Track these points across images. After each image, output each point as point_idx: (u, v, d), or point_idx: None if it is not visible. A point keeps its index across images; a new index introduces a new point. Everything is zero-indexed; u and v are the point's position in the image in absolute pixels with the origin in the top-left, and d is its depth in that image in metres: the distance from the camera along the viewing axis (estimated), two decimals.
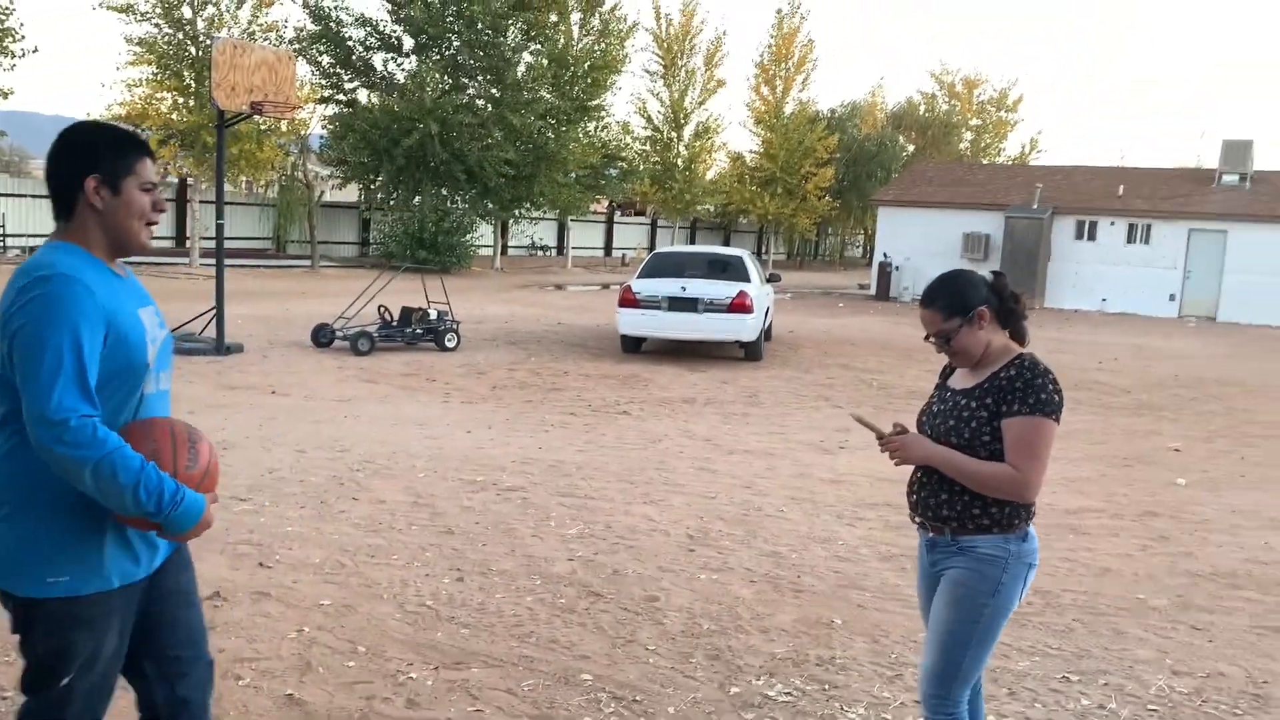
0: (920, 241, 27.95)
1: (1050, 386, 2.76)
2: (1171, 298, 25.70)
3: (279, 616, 4.37)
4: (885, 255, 28.25)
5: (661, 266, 14.25)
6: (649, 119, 38.22)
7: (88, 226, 2.28)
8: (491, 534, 5.71)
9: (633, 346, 13.99)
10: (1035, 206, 26.62)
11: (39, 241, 23.72)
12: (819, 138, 40.10)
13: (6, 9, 20.32)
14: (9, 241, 24.13)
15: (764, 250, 45.57)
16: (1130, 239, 26.20)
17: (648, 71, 37.77)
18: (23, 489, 2.18)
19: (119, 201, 2.29)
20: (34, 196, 25.31)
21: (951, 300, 2.85)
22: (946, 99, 55.03)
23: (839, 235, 53.29)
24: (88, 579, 2.23)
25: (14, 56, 20.58)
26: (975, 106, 55.15)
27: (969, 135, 55.13)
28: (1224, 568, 5.74)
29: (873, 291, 28.55)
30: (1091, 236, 26.56)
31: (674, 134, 38.15)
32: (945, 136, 52.68)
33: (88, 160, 2.27)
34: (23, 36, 20.62)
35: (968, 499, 2.78)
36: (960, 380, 2.93)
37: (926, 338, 2.91)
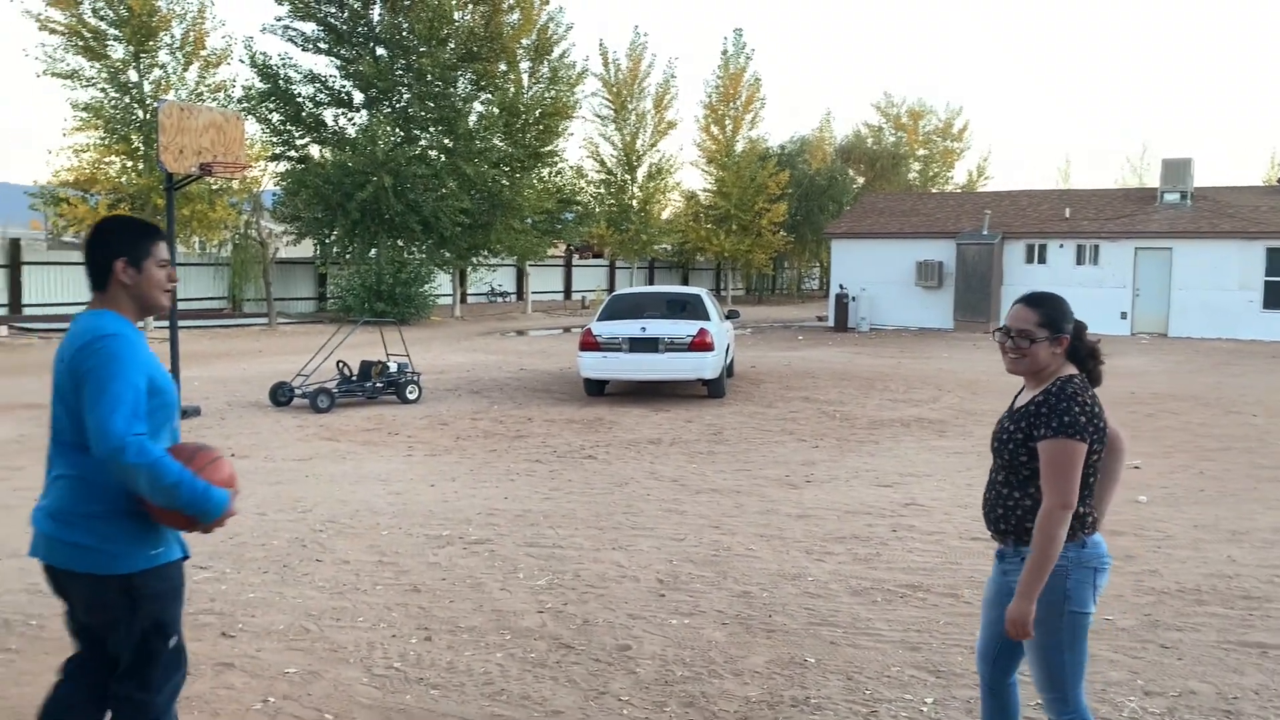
0: (875, 271, 28.31)
1: (1076, 409, 2.95)
2: (1123, 316, 26.15)
3: (243, 688, 4.28)
4: (841, 286, 28.54)
5: (621, 308, 14.29)
6: (602, 162, 38.55)
7: (119, 297, 2.96)
8: (459, 589, 5.64)
9: (596, 389, 13.98)
10: (985, 232, 27.07)
11: None
12: (770, 174, 40.60)
13: None
14: None
15: (722, 287, 45.86)
16: (1080, 260, 26.68)
17: (598, 116, 38.12)
18: (111, 491, 2.80)
19: (142, 277, 2.97)
20: None
21: (1053, 314, 3.08)
22: (893, 131, 56.00)
23: (795, 269, 53.76)
24: (171, 548, 2.97)
25: None
26: (922, 137, 56.19)
27: (917, 165, 56.10)
28: (1189, 584, 5.80)
29: (831, 323, 28.78)
30: (1042, 259, 27.02)
31: (628, 176, 38.46)
32: (894, 167, 53.54)
33: (116, 246, 2.95)
34: None
35: (1020, 512, 3.07)
36: (1021, 400, 3.17)
37: (1005, 330, 3.10)
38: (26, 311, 25.01)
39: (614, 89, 37.70)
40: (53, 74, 23.20)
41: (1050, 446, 2.94)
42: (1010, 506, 3.09)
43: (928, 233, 28.22)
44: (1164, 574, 5.98)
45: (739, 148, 41.18)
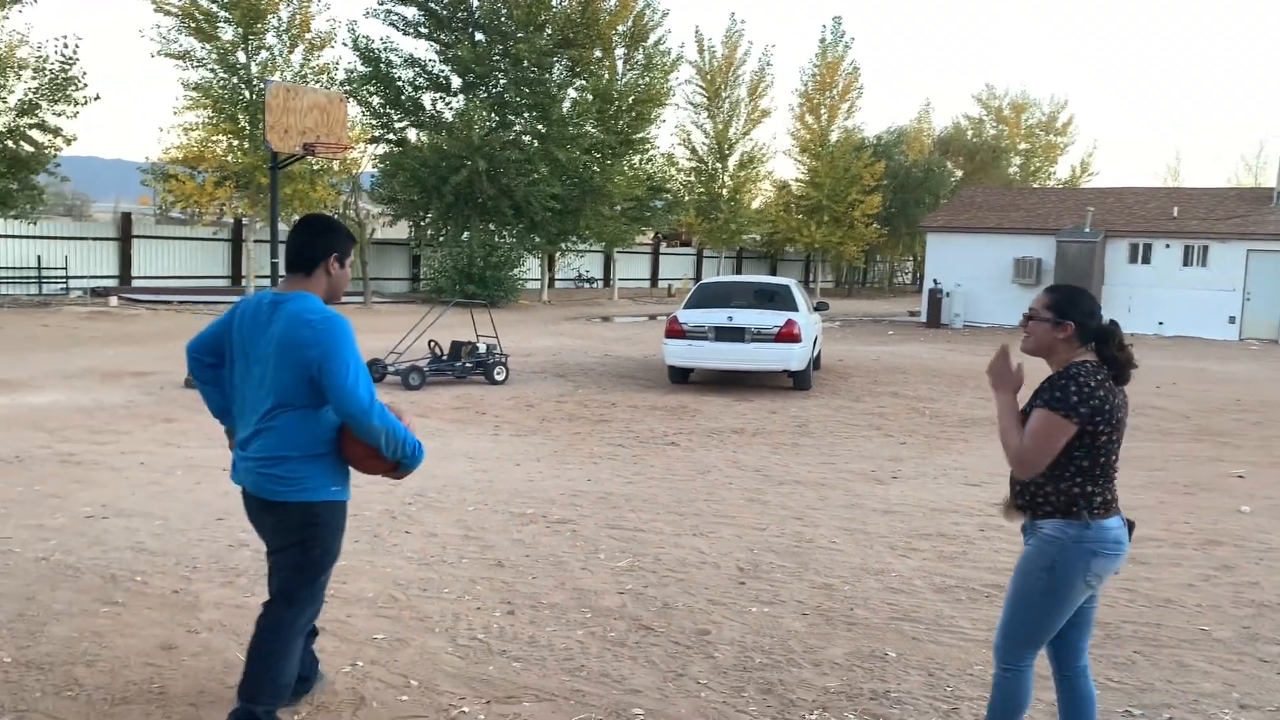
0: (971, 267, 27.70)
1: (1072, 389, 3.13)
2: (1231, 320, 25.14)
3: (333, 651, 4.41)
4: (935, 281, 28.01)
5: (708, 297, 14.26)
6: (693, 150, 38.43)
7: (320, 284, 3.54)
8: (541, 567, 5.72)
9: (680, 377, 13.99)
10: (1087, 230, 26.26)
11: (100, 283, 24.30)
12: (865, 165, 39.99)
13: (70, 59, 21.01)
14: (72, 283, 24.81)
15: (811, 279, 45.43)
16: (1187, 261, 25.72)
17: (691, 104, 37.99)
18: (311, 439, 3.42)
19: (342, 273, 3.59)
20: (95, 239, 26.06)
21: (1062, 302, 3.33)
22: (994, 123, 54.65)
23: (887, 262, 52.95)
24: (345, 490, 3.56)
25: (77, 104, 21.23)
26: (1024, 131, 54.71)
27: (1018, 160, 54.65)
28: None
29: (923, 319, 28.29)
30: (1146, 259, 26.12)
31: (719, 164, 38.29)
32: (994, 161, 52.28)
33: (332, 241, 3.54)
34: (85, 85, 21.30)
35: (1034, 488, 3.23)
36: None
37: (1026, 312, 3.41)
38: (135, 284, 26.06)
39: (708, 76, 37.55)
40: (166, 54, 24.07)
41: (1035, 415, 3.16)
42: (1027, 483, 3.25)
43: (1027, 229, 27.50)
44: (1265, 586, 5.76)
45: (834, 137, 40.66)
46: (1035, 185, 50.85)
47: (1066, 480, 3.16)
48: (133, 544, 5.86)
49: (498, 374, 13.40)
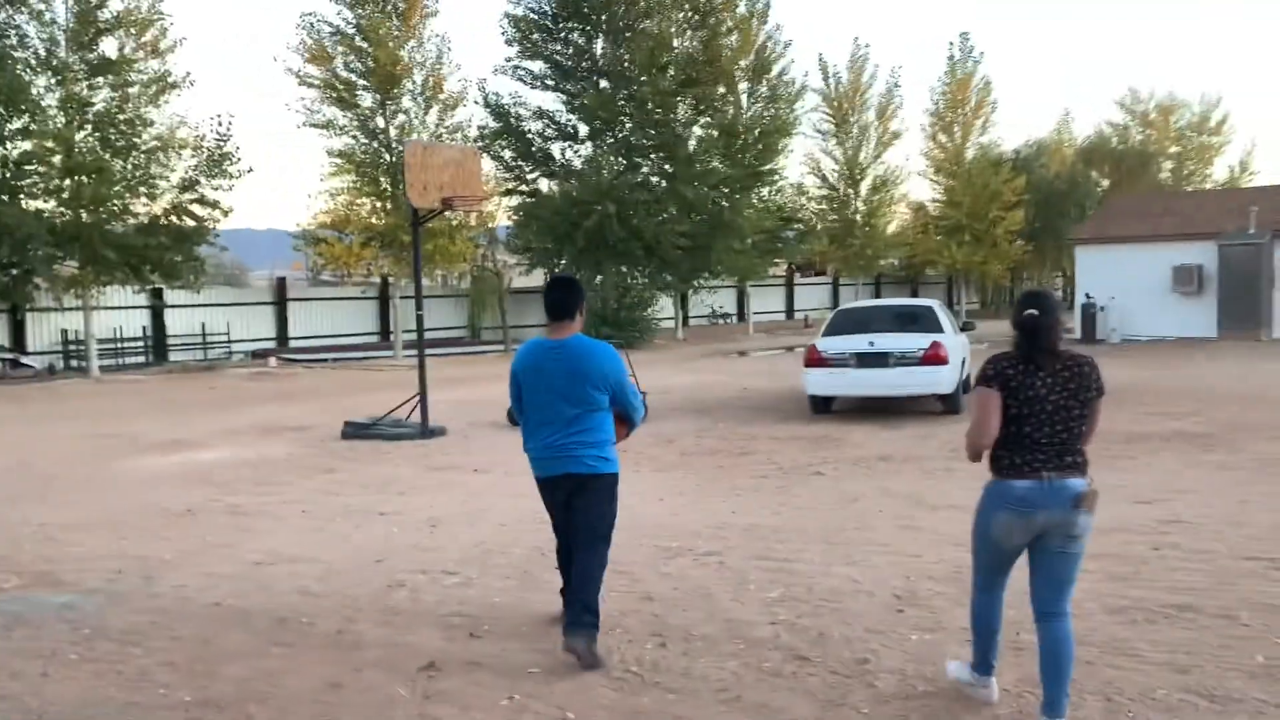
0: (1125, 279, 26.33)
1: (985, 365, 4.00)
2: None
3: (490, 685, 4.45)
4: (1088, 296, 26.79)
5: (846, 323, 13.99)
6: (824, 178, 38.04)
7: (579, 324, 4.98)
8: (690, 599, 5.65)
9: (822, 407, 13.73)
10: (1252, 231, 24.68)
11: (259, 345, 25.63)
12: (1005, 180, 38.77)
13: (225, 136, 22.43)
14: (234, 347, 26.29)
15: (955, 301, 44.18)
16: None
17: (819, 131, 37.66)
18: (607, 430, 4.98)
19: (585, 315, 5.11)
20: (254, 304, 27.59)
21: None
22: (1141, 128, 52.24)
23: (1035, 279, 51.02)
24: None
25: (232, 178, 22.62)
26: (1174, 133, 52.07)
27: (1169, 164, 51.99)
28: None
29: (1077, 334, 27.08)
30: None
31: (850, 190, 37.78)
32: (1142, 167, 49.85)
33: (581, 294, 5.06)
34: (239, 159, 22.69)
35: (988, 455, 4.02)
36: None
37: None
38: (291, 344, 27.43)
39: (835, 103, 37.20)
40: (311, 124, 25.43)
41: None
42: None
43: (1184, 235, 26.03)
44: None
45: (969, 155, 39.61)
46: (1190, 189, 48.30)
47: (995, 446, 3.95)
48: (298, 588, 6.08)
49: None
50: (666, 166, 29.37)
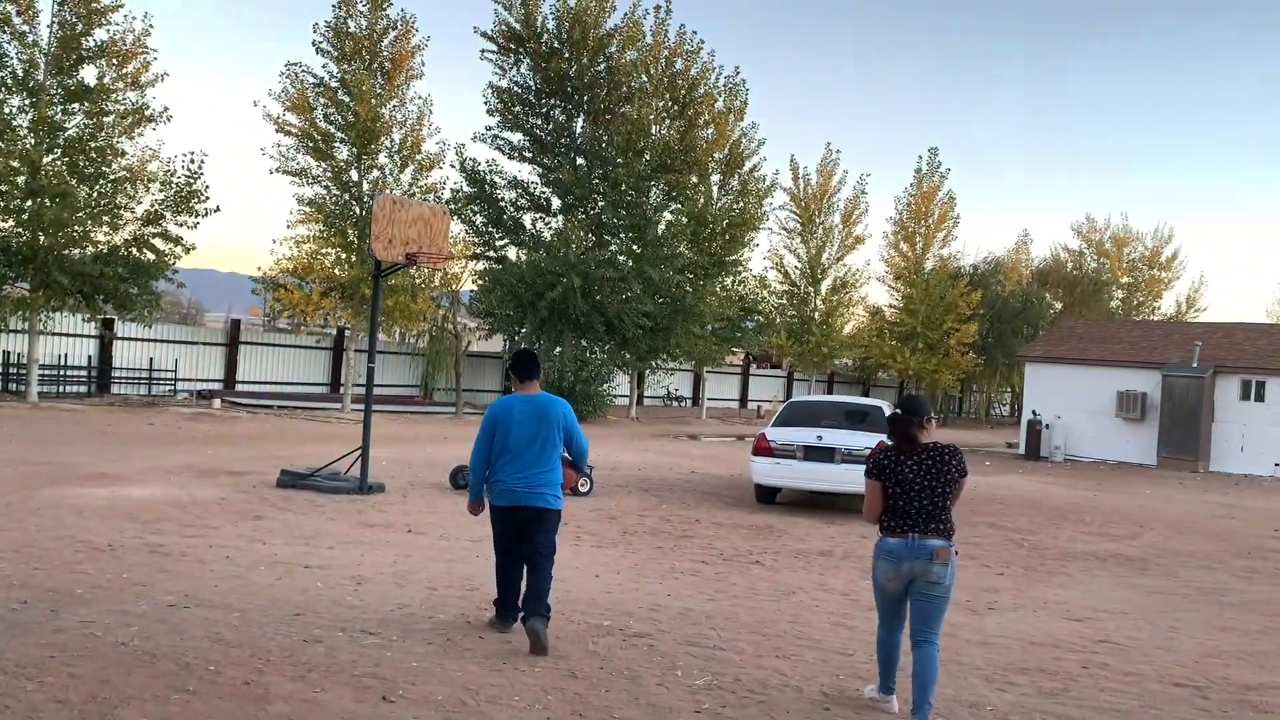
0: (1071, 399, 26.85)
1: (870, 456, 5.35)
2: None
3: None
4: (1034, 413, 27.23)
5: (797, 415, 14.06)
6: (786, 273, 38.57)
7: (539, 384, 6.42)
8: (616, 680, 5.51)
9: (767, 496, 13.71)
10: (1195, 365, 25.35)
11: (206, 385, 25.19)
12: (961, 293, 39.60)
13: (195, 174, 22.30)
14: (180, 385, 25.79)
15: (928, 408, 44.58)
16: None
17: (785, 228, 38.29)
18: (560, 475, 6.26)
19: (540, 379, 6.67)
20: (205, 344, 27.19)
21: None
22: (1095, 256, 53.79)
23: (984, 392, 51.81)
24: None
25: (199, 215, 22.43)
26: (1126, 265, 53.68)
27: (1120, 293, 53.47)
28: None
29: (1021, 450, 27.44)
30: (1260, 397, 25.00)
31: (811, 288, 38.33)
32: (1094, 294, 51.24)
33: (539, 363, 6.57)
34: (208, 198, 22.53)
35: None
36: None
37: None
38: (239, 387, 26.96)
39: (803, 203, 37.93)
40: (284, 171, 25.37)
41: None
42: None
43: (1131, 362, 26.68)
44: None
45: (929, 265, 40.48)
46: (1139, 319, 49.62)
47: (880, 514, 5.21)
48: (210, 634, 5.85)
49: (582, 485, 13.32)
50: (634, 247, 29.65)
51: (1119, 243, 53.58)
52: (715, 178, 32.89)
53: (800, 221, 38.07)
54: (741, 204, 32.77)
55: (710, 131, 31.51)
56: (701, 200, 31.66)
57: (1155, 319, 50.97)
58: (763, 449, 13.15)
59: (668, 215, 30.98)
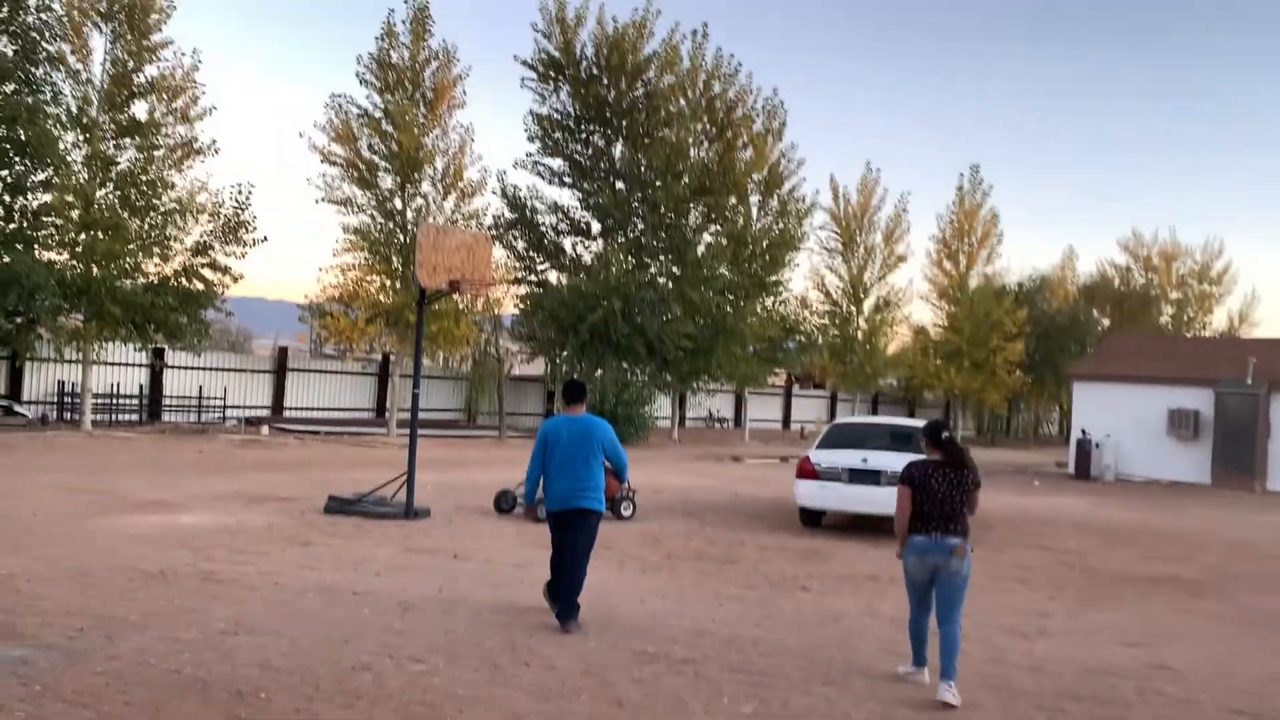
0: (1122, 417, 26.34)
1: (905, 468, 6.47)
2: None
3: None
4: (1084, 432, 26.79)
5: (842, 437, 13.95)
6: (827, 293, 38.42)
7: (585, 406, 7.76)
8: (661, 707, 5.49)
9: (812, 520, 13.61)
10: (1249, 382, 24.82)
11: (254, 412, 25.61)
12: (1006, 311, 39.17)
13: (244, 204, 22.73)
14: (229, 412, 26.19)
15: (951, 426, 44.15)
16: None
17: (826, 248, 38.17)
18: (604, 482, 7.48)
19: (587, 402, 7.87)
20: (253, 371, 27.63)
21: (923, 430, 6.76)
22: (1143, 272, 52.97)
23: (1032, 411, 51.08)
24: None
25: (246, 246, 22.85)
26: (1175, 280, 52.80)
27: (1170, 309, 52.56)
28: None
29: (1071, 470, 26.99)
30: None
31: (853, 307, 38.13)
32: (1143, 310, 50.45)
33: (586, 389, 8.09)
34: (255, 228, 22.94)
35: None
36: None
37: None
38: (287, 414, 27.32)
39: (843, 222, 37.83)
40: (329, 201, 25.78)
41: None
42: None
43: (1182, 379, 26.15)
44: None
45: (973, 283, 40.11)
46: (1190, 335, 48.72)
47: (910, 519, 6.26)
48: (260, 661, 5.92)
49: (625, 509, 13.31)
50: (674, 269, 29.73)
51: (1167, 257, 52.76)
52: (755, 198, 32.91)
53: (841, 241, 37.94)
54: (781, 224, 32.75)
55: (749, 153, 31.56)
56: (741, 221, 31.69)
57: (1206, 335, 50.03)
58: (808, 472, 13.07)
59: (707, 237, 31.05)
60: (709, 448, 30.35)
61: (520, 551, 10.47)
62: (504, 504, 13.17)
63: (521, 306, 30.22)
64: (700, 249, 30.24)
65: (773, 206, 33.15)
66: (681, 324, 28.32)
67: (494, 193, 29.65)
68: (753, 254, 31.68)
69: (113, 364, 24.03)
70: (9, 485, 13.13)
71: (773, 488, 18.65)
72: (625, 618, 7.66)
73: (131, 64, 21.68)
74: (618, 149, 30.22)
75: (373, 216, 25.88)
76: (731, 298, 30.60)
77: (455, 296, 21.01)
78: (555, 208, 30.66)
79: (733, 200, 31.39)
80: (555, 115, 29.98)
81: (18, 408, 22.48)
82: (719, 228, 31.15)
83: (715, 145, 30.93)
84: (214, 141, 22.76)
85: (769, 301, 33.23)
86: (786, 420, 41.95)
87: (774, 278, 32.63)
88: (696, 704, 5.59)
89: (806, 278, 41.02)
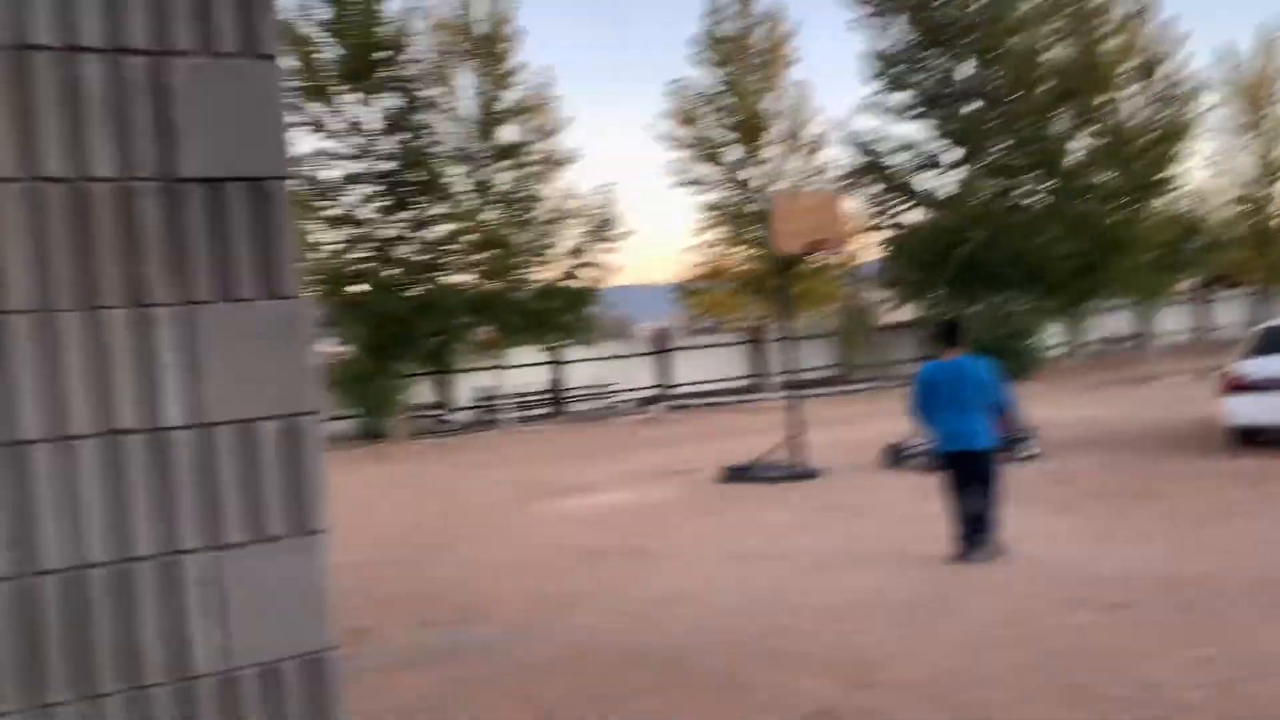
0: None
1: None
2: None
3: None
4: None
5: (1276, 342, 12.29)
6: (1234, 180, 33.83)
7: (966, 347, 7.88)
8: (1098, 657, 5.22)
9: (1245, 439, 12.12)
10: None
11: (643, 393, 27.33)
12: None
13: (608, 203, 24.31)
14: (622, 396, 28.12)
15: None
16: None
17: (1225, 130, 33.62)
18: (984, 419, 7.60)
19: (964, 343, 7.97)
20: (639, 355, 29.42)
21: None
22: None
23: None
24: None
25: (616, 241, 24.43)
26: None
27: None
28: None
29: None
30: None
31: (1268, 191, 33.29)
32: None
33: (963, 328, 8.33)
34: (621, 225, 24.48)
35: None
36: None
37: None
38: (673, 390, 28.84)
39: (1245, 95, 33.09)
40: (683, 183, 26.83)
41: None
42: None
43: None
44: None
45: None
46: None
47: None
48: (692, 628, 6.36)
49: (1023, 449, 12.64)
50: (1047, 184, 27.63)
51: None
52: (1131, 89, 29.68)
53: (1245, 115, 33.19)
54: (1165, 114, 29.33)
55: (1115, 42, 28.54)
56: (1117, 118, 28.75)
57: None
58: (1237, 385, 11.68)
59: (1080, 142, 28.52)
60: (1110, 373, 28.00)
61: (918, 504, 10.32)
62: (894, 458, 13.04)
63: (884, 253, 29.58)
64: (1072, 158, 27.85)
65: (1152, 95, 29.75)
66: (1062, 243, 26.29)
67: (839, 144, 29.25)
68: (1136, 152, 28.66)
69: (519, 366, 26.68)
70: (455, 482, 15.06)
71: (1189, 408, 16.86)
72: (1041, 564, 7.33)
73: (494, 92, 23.83)
74: (966, 69, 28.55)
75: (726, 190, 26.56)
76: (1116, 204, 27.92)
77: (813, 256, 21.06)
78: (905, 145, 29.63)
79: (1103, 98, 28.56)
80: (895, 49, 28.92)
81: (447, 414, 25.66)
82: (1092, 129, 28.50)
83: (1073, 41, 28.26)
84: (576, 149, 24.51)
85: (1160, 202, 29.93)
86: (1199, 330, 37.62)
87: (1163, 174, 29.32)
88: (1141, 650, 5.25)
89: (1206, 167, 36.47)
